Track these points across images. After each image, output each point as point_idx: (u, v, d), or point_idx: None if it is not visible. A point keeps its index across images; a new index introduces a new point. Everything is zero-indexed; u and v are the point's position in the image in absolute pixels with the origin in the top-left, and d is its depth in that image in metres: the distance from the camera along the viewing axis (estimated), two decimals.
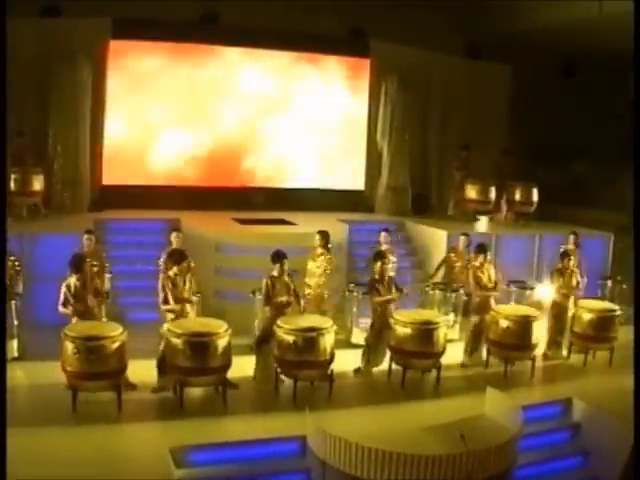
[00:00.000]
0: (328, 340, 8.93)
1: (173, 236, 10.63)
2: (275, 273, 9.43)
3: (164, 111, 14.81)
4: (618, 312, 10.89)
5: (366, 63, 16.00)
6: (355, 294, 11.34)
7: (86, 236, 10.46)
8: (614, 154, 17.82)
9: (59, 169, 13.59)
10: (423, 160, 16.59)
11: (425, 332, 9.49)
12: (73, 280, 8.65)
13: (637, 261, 11.26)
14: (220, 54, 15.12)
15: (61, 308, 8.66)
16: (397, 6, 15.23)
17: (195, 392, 8.73)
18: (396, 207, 15.84)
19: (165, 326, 8.58)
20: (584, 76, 18.30)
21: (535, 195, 15.19)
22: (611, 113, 17.78)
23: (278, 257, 9.44)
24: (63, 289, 8.64)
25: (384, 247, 11.69)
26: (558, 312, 10.93)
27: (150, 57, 14.52)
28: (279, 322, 8.97)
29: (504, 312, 10.26)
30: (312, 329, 8.83)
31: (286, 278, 9.47)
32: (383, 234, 12.20)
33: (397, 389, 9.50)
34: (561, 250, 11.64)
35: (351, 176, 16.46)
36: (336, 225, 13.87)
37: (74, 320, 8.56)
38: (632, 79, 16.70)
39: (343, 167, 16.38)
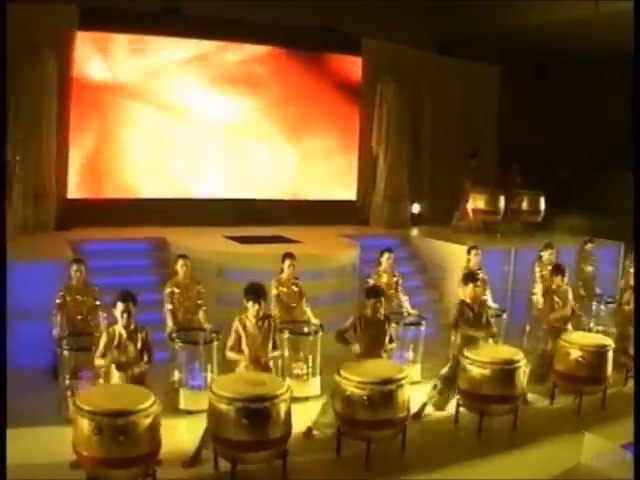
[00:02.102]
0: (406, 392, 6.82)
1: (179, 265, 8.39)
2: (369, 312, 7.37)
3: (136, 113, 12.28)
4: None
5: (357, 62, 13.86)
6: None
7: (75, 266, 8.09)
8: (592, 159, 16.52)
9: (19, 182, 10.88)
10: (415, 168, 14.49)
11: (506, 373, 7.50)
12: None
13: (637, 261, 10.18)
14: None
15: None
16: (371, 6, 13.35)
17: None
18: (394, 219, 13.81)
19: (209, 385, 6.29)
20: (556, 79, 16.89)
21: (542, 204, 13.44)
22: (585, 116, 16.43)
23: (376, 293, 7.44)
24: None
25: (383, 267, 9.72)
26: None
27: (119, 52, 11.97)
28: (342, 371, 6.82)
29: (577, 341, 8.38)
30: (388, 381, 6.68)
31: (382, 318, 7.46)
32: (386, 255, 9.86)
33: (470, 439, 7.52)
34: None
35: (341, 185, 14.29)
36: (341, 242, 11.78)
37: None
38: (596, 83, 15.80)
39: (332, 175, 14.19)
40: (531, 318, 10.40)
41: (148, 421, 5.63)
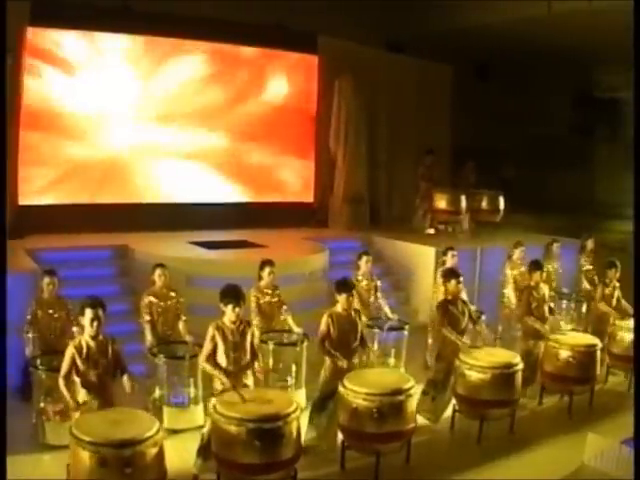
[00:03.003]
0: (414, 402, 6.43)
1: (157, 274, 7.69)
2: (340, 307, 6.82)
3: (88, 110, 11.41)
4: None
5: (314, 61, 13.38)
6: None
7: (47, 279, 7.33)
8: (537, 157, 16.59)
9: None
10: (372, 168, 14.11)
11: (506, 377, 7.20)
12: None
13: (637, 263, 9.87)
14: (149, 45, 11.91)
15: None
16: (323, 5, 12.77)
17: None
18: (353, 221, 13.39)
19: (212, 405, 5.68)
20: (502, 77, 16.84)
21: (502, 203, 13.31)
22: (530, 115, 16.49)
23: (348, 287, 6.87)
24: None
25: (362, 271, 9.20)
26: None
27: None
28: (345, 381, 6.36)
29: (566, 342, 8.17)
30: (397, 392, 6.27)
31: (353, 313, 6.90)
32: (364, 258, 9.30)
33: (470, 445, 7.19)
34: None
35: (297, 187, 13.79)
36: (309, 245, 11.32)
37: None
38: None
39: (288, 177, 13.68)
40: (502, 319, 10.21)
41: (155, 450, 5.04)
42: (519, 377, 7.35)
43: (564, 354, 8.03)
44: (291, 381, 7.71)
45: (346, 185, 13.37)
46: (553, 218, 15.16)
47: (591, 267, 10.96)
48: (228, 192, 12.89)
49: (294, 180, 13.73)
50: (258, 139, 13.01)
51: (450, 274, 7.85)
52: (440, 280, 8.59)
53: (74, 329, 7.15)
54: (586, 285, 10.71)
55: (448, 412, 7.59)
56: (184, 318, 7.66)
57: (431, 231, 13.50)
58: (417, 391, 6.66)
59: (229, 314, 6.08)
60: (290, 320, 8.17)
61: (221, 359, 6.06)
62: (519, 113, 16.62)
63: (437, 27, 14.37)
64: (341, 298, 6.79)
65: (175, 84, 12.10)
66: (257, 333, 6.99)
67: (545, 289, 8.62)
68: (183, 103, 12.21)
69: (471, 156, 14.89)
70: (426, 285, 11.16)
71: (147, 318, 7.44)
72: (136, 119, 11.81)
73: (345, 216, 13.39)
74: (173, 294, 7.68)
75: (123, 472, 4.82)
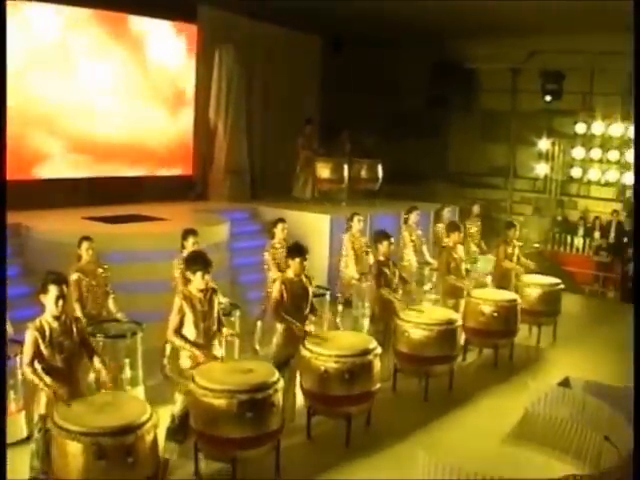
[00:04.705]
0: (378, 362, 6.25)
1: (84, 248, 6.95)
2: (291, 274, 6.45)
3: None
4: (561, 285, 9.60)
5: (193, 29, 12.60)
6: None
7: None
8: (395, 127, 16.78)
9: None
10: (251, 138, 13.61)
11: (449, 333, 7.22)
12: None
13: (637, 264, 10.41)
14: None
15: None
16: None
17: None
18: (236, 192, 12.86)
19: (191, 380, 5.13)
20: (359, 51, 16.89)
21: (380, 171, 13.36)
22: (388, 87, 16.69)
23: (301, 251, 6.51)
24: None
25: (278, 239, 8.81)
26: None
27: None
28: (309, 345, 6.04)
29: (486, 297, 8.37)
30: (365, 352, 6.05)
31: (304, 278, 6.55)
32: (280, 225, 8.81)
33: (418, 402, 7.18)
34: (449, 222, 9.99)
35: (175, 159, 12.97)
36: (208, 217, 10.74)
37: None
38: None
39: (164, 150, 12.81)
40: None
41: (153, 435, 4.45)
42: (459, 333, 7.40)
43: (488, 309, 8.19)
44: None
45: (227, 156, 12.80)
46: (411, 186, 15.42)
47: (475, 230, 11.31)
48: (105, 166, 11.82)
49: (171, 152, 12.90)
50: (135, 108, 12.05)
51: (381, 236, 7.72)
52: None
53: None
54: (473, 247, 11.03)
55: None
56: (113, 295, 6.95)
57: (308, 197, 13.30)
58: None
59: (198, 282, 5.53)
60: None
61: (190, 331, 5.50)
62: (378, 84, 16.71)
63: None
64: (294, 263, 6.45)
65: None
66: None
67: (461, 249, 8.73)
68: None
69: (335, 127, 14.80)
70: (322, 253, 11.02)
71: (75, 296, 6.62)
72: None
73: (227, 188, 12.84)
74: (101, 270, 6.90)
75: (125, 462, 4.18)
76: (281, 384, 5.25)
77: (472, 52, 15.24)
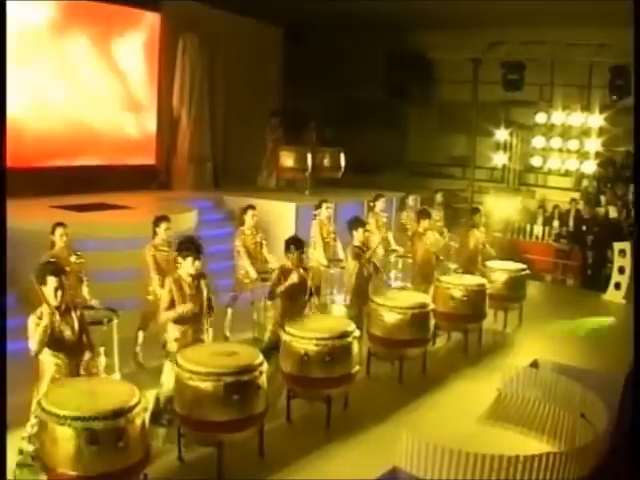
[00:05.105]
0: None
1: (58, 234, 6.91)
2: (290, 265, 6.47)
3: None
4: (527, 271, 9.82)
5: (156, 17, 12.36)
6: None
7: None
8: (352, 118, 16.79)
9: None
10: (214, 127, 13.48)
11: (422, 317, 7.27)
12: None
13: (637, 263, 10.51)
14: None
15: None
16: None
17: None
18: (199, 181, 12.78)
19: (176, 363, 5.06)
20: (316, 43, 16.86)
21: (342, 160, 13.38)
22: (345, 78, 16.70)
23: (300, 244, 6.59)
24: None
25: (247, 225, 8.79)
26: None
27: None
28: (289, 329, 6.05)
29: (456, 282, 8.47)
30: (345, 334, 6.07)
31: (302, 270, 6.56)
32: (250, 212, 8.74)
33: (393, 385, 7.24)
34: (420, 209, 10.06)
35: (137, 149, 12.74)
36: (173, 206, 10.60)
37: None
38: None
39: (127, 139, 12.57)
40: None
41: (141, 419, 4.38)
42: (432, 316, 7.45)
43: (458, 294, 8.28)
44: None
45: (191, 145, 12.72)
46: (369, 176, 15.45)
47: (439, 218, 11.41)
48: (62, 156, 11.52)
49: (133, 142, 12.68)
50: (97, 97, 11.79)
51: (356, 222, 7.77)
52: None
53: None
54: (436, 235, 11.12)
55: None
56: (86, 281, 6.79)
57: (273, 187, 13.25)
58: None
59: (188, 267, 5.54)
60: None
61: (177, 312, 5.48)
62: (336, 76, 16.70)
63: None
64: (293, 256, 6.46)
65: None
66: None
67: (432, 236, 8.81)
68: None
69: (298, 117, 14.75)
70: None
71: None
72: None
73: (190, 177, 12.77)
74: (75, 256, 6.76)
75: (116, 447, 4.11)
76: (265, 366, 5.22)
77: (433, 43, 15.33)
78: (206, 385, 4.89)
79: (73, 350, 4.79)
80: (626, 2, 7.96)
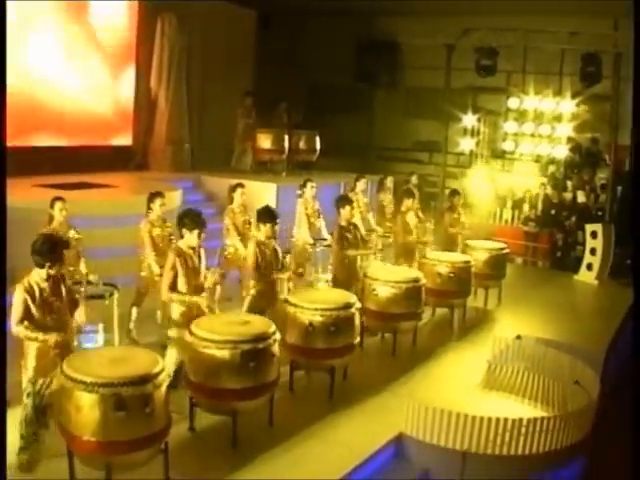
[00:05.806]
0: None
1: (57, 209, 6.78)
2: (262, 237, 6.39)
3: None
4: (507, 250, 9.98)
5: None
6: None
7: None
8: (323, 103, 16.77)
9: None
10: (191, 109, 13.27)
11: (415, 290, 7.36)
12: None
13: (637, 263, 10.48)
14: None
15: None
16: None
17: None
18: (176, 162, 12.59)
19: (189, 333, 5.04)
20: (286, 28, 16.75)
21: (318, 143, 13.39)
22: (316, 64, 16.66)
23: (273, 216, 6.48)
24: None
25: (236, 204, 8.81)
26: None
27: None
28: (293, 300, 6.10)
29: (442, 259, 8.58)
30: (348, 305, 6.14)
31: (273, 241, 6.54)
32: (240, 190, 8.93)
33: (387, 358, 7.34)
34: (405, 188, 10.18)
35: (115, 129, 12.50)
36: (156, 185, 10.38)
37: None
38: None
39: (104, 119, 12.30)
40: None
41: (165, 387, 4.35)
42: (423, 291, 7.54)
43: (444, 270, 8.40)
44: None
45: (168, 126, 12.52)
46: (337, 160, 15.43)
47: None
48: (39, 136, 11.23)
49: (110, 122, 12.43)
50: (74, 77, 11.50)
51: (344, 200, 7.79)
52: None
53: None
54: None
55: None
56: (84, 257, 6.69)
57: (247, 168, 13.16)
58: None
59: (192, 239, 5.56)
60: None
61: (182, 287, 5.50)
62: (306, 60, 16.63)
63: None
64: (265, 227, 6.41)
65: None
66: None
67: (412, 215, 8.88)
68: None
69: (270, 99, 14.67)
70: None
71: None
72: None
73: (168, 158, 12.57)
74: (73, 231, 6.65)
75: (143, 413, 4.08)
76: (278, 335, 5.24)
77: (404, 29, 15.40)
78: (222, 353, 4.89)
79: (62, 319, 4.68)
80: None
